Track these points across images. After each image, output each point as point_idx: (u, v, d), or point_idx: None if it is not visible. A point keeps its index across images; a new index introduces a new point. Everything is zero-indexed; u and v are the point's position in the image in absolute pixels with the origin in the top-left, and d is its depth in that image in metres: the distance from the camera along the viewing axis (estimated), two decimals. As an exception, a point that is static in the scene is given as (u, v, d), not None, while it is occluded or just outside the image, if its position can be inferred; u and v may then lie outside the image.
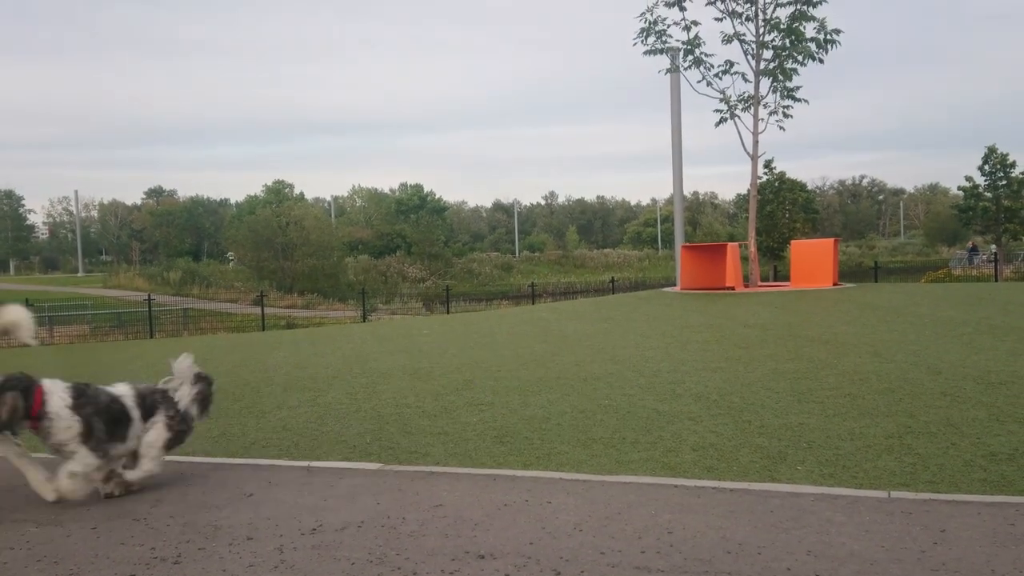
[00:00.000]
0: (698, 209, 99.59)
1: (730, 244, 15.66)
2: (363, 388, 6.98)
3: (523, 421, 5.29)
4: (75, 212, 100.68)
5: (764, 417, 5.04)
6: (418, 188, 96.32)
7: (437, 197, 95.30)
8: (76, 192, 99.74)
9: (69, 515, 3.47)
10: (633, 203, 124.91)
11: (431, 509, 3.44)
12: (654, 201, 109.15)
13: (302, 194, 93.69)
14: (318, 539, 3.08)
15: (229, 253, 65.18)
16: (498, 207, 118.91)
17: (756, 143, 15.50)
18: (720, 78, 15.57)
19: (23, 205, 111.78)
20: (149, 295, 28.42)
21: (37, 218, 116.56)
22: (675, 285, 16.96)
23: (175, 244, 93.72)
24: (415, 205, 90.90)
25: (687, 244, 17.27)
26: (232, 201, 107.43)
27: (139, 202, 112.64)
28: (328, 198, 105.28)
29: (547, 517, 3.29)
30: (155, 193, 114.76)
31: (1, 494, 3.88)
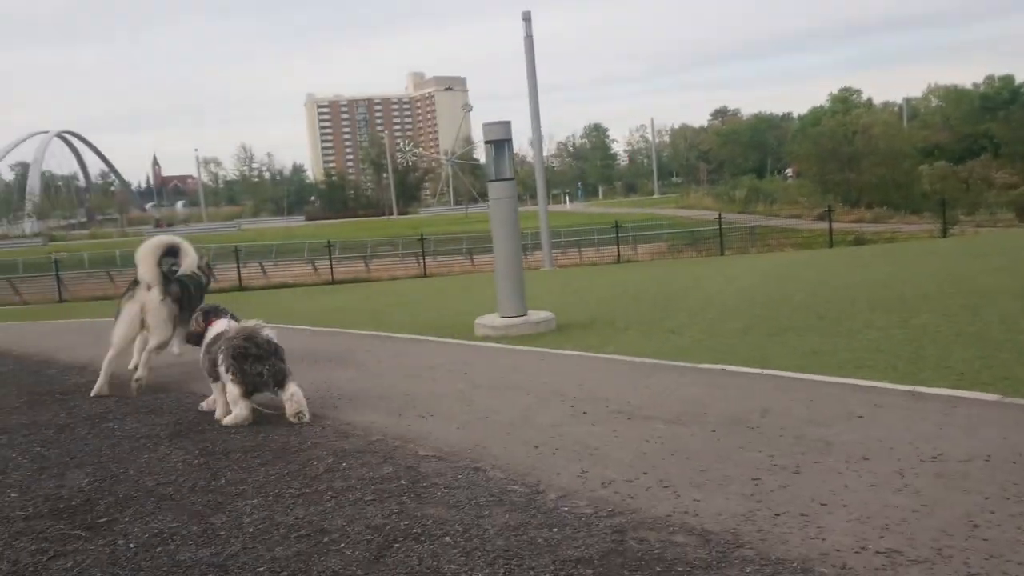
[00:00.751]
0: None
1: None
2: (961, 310, 6.37)
3: None
4: (650, 139, 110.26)
5: None
6: (1008, 80, 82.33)
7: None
8: (652, 120, 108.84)
9: (689, 417, 3.91)
10: None
11: (1075, 454, 3.01)
12: None
13: (870, 100, 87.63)
14: (940, 468, 2.94)
15: (788, 169, 64.61)
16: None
17: None
18: None
19: (608, 136, 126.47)
20: (719, 214, 29.83)
21: (619, 147, 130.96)
22: None
23: (739, 162, 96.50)
24: (1004, 100, 78.01)
25: None
26: (795, 115, 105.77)
27: (705, 124, 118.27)
28: (899, 101, 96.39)
29: None
30: (720, 114, 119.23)
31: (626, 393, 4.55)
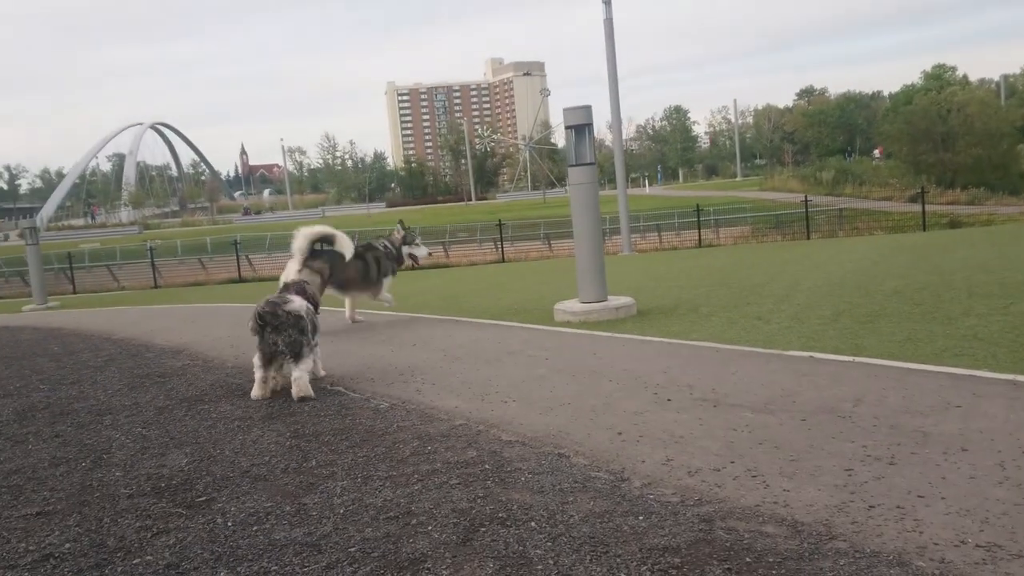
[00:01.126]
0: None
1: None
2: (1069, 297, 6.03)
3: None
4: (733, 120, 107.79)
5: None
6: (1121, 50, 77.14)
7: None
8: (735, 101, 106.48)
9: (777, 405, 3.83)
10: None
11: None
12: None
13: (965, 77, 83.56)
14: (1046, 463, 2.80)
15: (876, 151, 62.26)
16: None
17: None
18: None
19: (689, 118, 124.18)
20: (805, 196, 29.00)
21: (700, 129, 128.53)
22: None
23: (826, 143, 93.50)
24: (1117, 71, 73.19)
25: None
26: (886, 93, 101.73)
27: (790, 104, 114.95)
28: (996, 78, 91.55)
29: None
30: (806, 93, 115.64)
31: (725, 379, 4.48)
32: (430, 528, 2.65)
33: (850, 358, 4.71)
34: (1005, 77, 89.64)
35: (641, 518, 2.61)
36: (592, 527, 2.57)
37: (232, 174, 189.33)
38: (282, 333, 4.49)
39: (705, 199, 47.51)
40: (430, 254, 8.60)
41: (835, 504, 2.60)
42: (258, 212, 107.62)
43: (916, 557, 2.20)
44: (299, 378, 4.54)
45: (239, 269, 28.25)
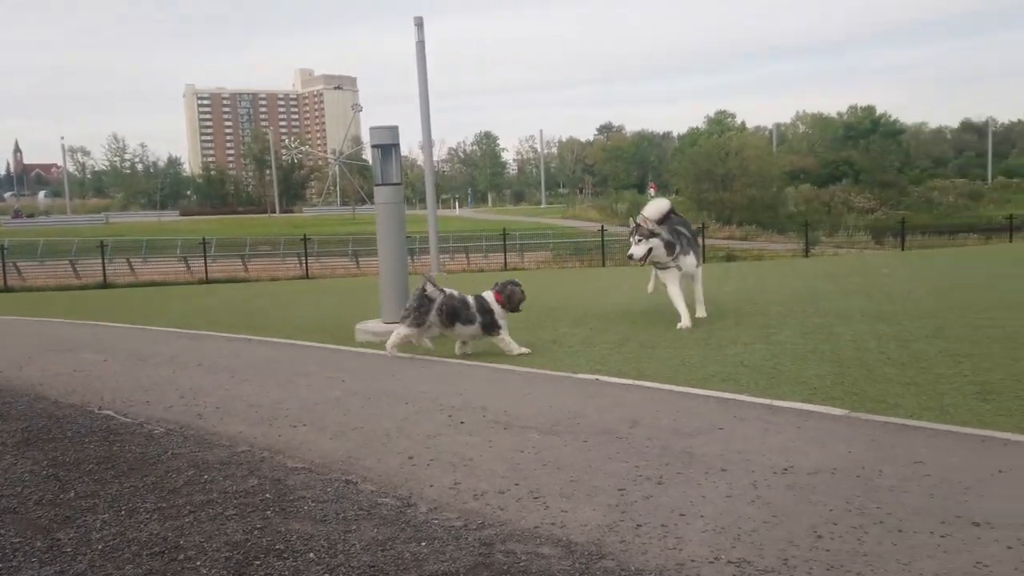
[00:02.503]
0: None
1: None
2: (818, 328, 6.75)
3: (1011, 378, 4.67)
4: (539, 149, 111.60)
5: None
6: (869, 110, 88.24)
7: (892, 119, 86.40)
8: (541, 131, 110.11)
9: (563, 427, 3.98)
10: None
11: (910, 465, 3.24)
12: None
13: (743, 124, 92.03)
14: (791, 480, 3.11)
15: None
16: (967, 127, 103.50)
17: None
18: None
19: (498, 144, 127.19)
20: (602, 226, 30.55)
21: (509, 155, 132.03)
22: None
23: (622, 177, 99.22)
24: (865, 129, 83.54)
25: None
26: (675, 134, 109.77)
27: (591, 138, 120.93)
28: (769, 126, 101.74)
29: (1058, 494, 2.89)
30: (606, 129, 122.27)
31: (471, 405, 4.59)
32: (199, 564, 2.50)
33: (632, 381, 5.00)
34: (777, 126, 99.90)
35: (424, 544, 2.61)
36: (373, 555, 2.53)
37: (3, 173, 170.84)
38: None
39: (512, 223, 48.83)
40: None
41: (607, 523, 2.73)
42: (31, 215, 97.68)
43: (675, 574, 2.36)
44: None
45: (4, 278, 25.47)
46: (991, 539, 2.54)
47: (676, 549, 2.52)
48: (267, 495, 3.10)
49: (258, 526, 2.79)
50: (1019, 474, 3.12)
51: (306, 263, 28.15)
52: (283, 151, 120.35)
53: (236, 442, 3.86)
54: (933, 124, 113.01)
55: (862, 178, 64.85)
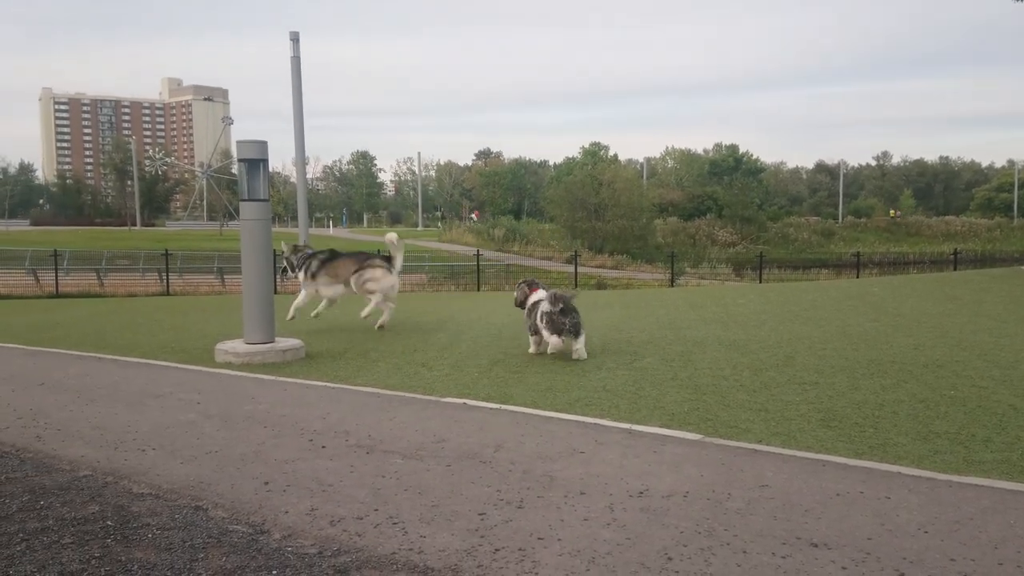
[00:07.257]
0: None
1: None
2: (678, 356, 7.03)
3: (853, 406, 5.00)
4: (417, 172, 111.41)
5: None
6: (733, 149, 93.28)
7: (754, 158, 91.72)
8: (419, 153, 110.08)
9: (427, 451, 3.96)
10: (984, 165, 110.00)
11: (757, 488, 3.41)
12: (1011, 163, 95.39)
13: (616, 156, 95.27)
14: (646, 503, 3.20)
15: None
16: (821, 168, 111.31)
17: None
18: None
19: (375, 164, 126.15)
20: (478, 251, 30.79)
21: (386, 176, 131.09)
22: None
23: (499, 203, 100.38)
24: (729, 167, 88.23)
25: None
26: (551, 163, 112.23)
27: (470, 163, 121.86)
28: (641, 159, 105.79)
29: (886, 512, 3.11)
30: (484, 155, 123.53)
31: (363, 429, 4.53)
32: (26, 598, 2.32)
33: (498, 405, 5.03)
34: (648, 159, 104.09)
35: (275, 572, 2.53)
36: (221, 586, 2.42)
37: None
38: (568, 316, 6.96)
39: (386, 245, 48.20)
40: None
41: (465, 548, 2.73)
42: None
43: (531, 596, 2.38)
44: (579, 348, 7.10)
45: None
46: (827, 560, 2.71)
47: (532, 573, 2.54)
48: (108, 522, 2.92)
49: (96, 555, 2.62)
50: (854, 497, 3.33)
51: (167, 279, 26.89)
52: (146, 162, 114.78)
53: (78, 466, 3.61)
54: (791, 164, 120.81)
55: (725, 213, 68.28)
